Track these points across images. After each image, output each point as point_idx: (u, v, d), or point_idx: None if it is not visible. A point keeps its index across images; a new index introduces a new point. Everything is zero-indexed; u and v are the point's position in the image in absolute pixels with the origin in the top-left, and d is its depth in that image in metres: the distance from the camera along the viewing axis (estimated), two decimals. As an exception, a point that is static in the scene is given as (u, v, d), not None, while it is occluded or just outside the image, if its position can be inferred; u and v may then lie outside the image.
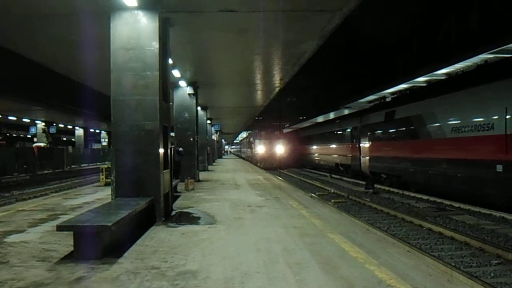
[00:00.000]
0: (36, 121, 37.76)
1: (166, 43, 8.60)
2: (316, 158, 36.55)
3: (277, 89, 20.10)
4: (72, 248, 5.42)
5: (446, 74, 18.01)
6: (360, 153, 24.13)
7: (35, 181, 25.52)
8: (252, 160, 45.02)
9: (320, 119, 39.35)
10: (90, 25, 9.02)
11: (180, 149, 15.80)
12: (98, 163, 40.03)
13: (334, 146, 30.37)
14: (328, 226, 7.57)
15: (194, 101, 17.60)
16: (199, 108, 20.54)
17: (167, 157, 8.60)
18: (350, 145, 26.21)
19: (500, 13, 15.77)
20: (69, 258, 5.29)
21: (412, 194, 16.81)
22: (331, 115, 35.77)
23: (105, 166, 16.84)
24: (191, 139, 17.49)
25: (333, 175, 28.57)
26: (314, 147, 37.06)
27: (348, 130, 26.90)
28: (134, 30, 7.69)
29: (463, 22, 18.27)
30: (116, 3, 7.49)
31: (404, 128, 18.46)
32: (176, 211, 9.32)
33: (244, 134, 71.10)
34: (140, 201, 7.19)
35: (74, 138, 50.40)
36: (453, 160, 14.39)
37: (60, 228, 5.52)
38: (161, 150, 7.89)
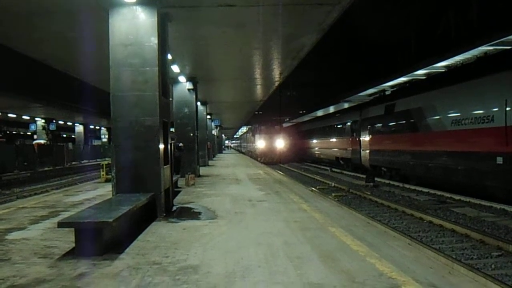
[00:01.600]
0: (36, 118, 37.77)
1: (165, 39, 8.58)
2: (317, 152, 36.57)
3: (276, 83, 20.07)
4: (73, 245, 5.43)
5: (445, 66, 17.99)
6: (360, 147, 24.14)
7: (35, 178, 25.57)
8: (252, 154, 45.05)
9: (320, 113, 39.32)
10: (88, 21, 9.00)
11: (180, 144, 15.81)
12: (98, 160, 40.08)
13: (334, 140, 30.38)
14: (329, 219, 7.58)
15: (194, 96, 17.57)
16: (198, 103, 20.48)
17: (167, 152, 8.59)
18: (350, 139, 26.22)
19: (499, 7, 15.72)
20: (71, 254, 5.30)
21: (413, 187, 16.83)
22: (331, 109, 35.75)
23: (106, 162, 16.84)
24: (191, 134, 17.48)
25: (334, 169, 28.59)
26: (314, 141, 37.07)
27: (348, 123, 26.90)
28: (132, 26, 7.66)
29: (462, 15, 18.23)
30: (114, -2, 7.47)
31: (404, 121, 18.45)
32: (177, 206, 9.33)
33: (244, 129, 71.08)
34: (140, 197, 7.19)
35: (74, 135, 50.42)
36: (453, 152, 14.40)
37: (61, 224, 5.53)
38: (161, 146, 7.88)
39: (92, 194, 11.89)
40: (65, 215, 7.98)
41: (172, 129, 15.58)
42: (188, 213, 8.48)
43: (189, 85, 17.13)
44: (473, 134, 13.18)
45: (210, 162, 27.84)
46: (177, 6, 8.41)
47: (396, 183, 18.41)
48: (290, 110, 46.52)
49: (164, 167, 8.15)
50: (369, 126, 22.72)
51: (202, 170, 19.46)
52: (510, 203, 11.68)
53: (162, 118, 7.98)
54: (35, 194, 16.45)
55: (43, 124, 38.05)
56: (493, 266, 6.97)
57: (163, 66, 8.26)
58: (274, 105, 35.18)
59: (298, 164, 37.43)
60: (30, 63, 13.87)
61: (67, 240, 5.93)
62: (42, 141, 36.62)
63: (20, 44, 11.94)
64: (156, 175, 7.82)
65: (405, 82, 21.51)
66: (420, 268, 4.69)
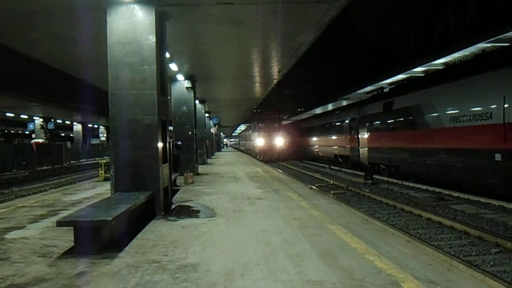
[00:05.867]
0: (34, 117, 37.66)
1: (163, 37, 8.56)
2: (315, 149, 36.57)
3: (275, 81, 20.06)
4: (72, 244, 5.43)
5: (444, 64, 18.01)
6: (358, 144, 24.16)
7: (34, 177, 25.52)
8: (251, 153, 45.02)
9: (318, 110, 39.33)
10: (87, 20, 8.97)
11: (179, 142, 15.79)
12: (97, 158, 39.99)
13: (333, 137, 30.37)
14: (328, 217, 7.59)
15: (192, 94, 17.56)
16: (197, 101, 20.51)
17: (166, 151, 8.59)
18: (349, 136, 26.22)
19: (498, 5, 15.72)
20: (70, 253, 5.31)
21: (411, 184, 16.85)
22: (330, 107, 35.75)
23: (104, 161, 16.82)
24: (190, 132, 17.48)
25: (332, 167, 28.61)
26: (313, 138, 37.05)
27: (347, 121, 26.90)
28: (130, 24, 7.66)
29: (461, 12, 18.24)
30: (112, -3, 7.45)
31: (402, 119, 18.46)
32: (176, 204, 9.33)
33: (242, 127, 71.04)
34: (139, 195, 7.20)
35: (73, 134, 50.31)
36: (451, 149, 14.41)
37: (60, 223, 5.53)
38: (160, 144, 7.88)
39: (91, 193, 11.88)
40: (64, 214, 7.97)
41: (171, 128, 15.58)
42: (187, 211, 8.48)
43: (187, 83, 17.11)
44: (472, 131, 13.19)
45: (208, 160, 27.84)
46: (175, 4, 8.38)
47: (394, 180, 18.43)
48: (288, 108, 46.56)
49: (163, 165, 8.15)
50: (367, 124, 22.72)
51: (201, 168, 19.47)
52: (509, 200, 11.70)
53: (161, 117, 7.98)
54: (34, 193, 16.41)
55: (42, 123, 37.92)
56: (491, 262, 6.98)
57: (161, 64, 8.25)
58: (273, 103, 35.22)
59: (297, 162, 37.43)
60: (28, 62, 13.83)
61: (66, 239, 5.93)
62: (40, 140, 36.50)
63: (18, 43, 11.92)
64: (155, 174, 7.82)
65: (403, 80, 21.53)
66: (419, 265, 4.70)
